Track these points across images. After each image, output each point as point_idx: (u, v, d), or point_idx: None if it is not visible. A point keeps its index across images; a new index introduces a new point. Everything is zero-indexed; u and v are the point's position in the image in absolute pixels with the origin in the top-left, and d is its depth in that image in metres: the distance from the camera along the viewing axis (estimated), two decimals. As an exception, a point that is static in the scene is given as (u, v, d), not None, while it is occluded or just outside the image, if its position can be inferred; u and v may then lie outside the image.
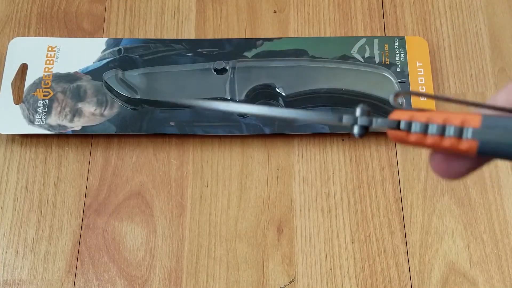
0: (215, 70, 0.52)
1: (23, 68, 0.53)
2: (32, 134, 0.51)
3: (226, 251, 0.48)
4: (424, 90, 0.52)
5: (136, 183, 0.50)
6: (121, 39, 0.55)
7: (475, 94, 0.53)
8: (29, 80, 0.52)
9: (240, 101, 0.51)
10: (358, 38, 0.54)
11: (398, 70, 0.53)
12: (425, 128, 0.23)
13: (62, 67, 0.53)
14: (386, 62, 0.53)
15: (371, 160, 0.51)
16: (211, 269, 0.47)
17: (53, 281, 0.47)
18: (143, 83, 0.52)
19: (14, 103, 0.51)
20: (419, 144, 0.23)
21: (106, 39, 0.55)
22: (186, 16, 0.57)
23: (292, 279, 0.47)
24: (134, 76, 0.52)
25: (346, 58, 0.53)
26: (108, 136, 0.52)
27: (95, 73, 0.53)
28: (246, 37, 0.55)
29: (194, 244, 0.48)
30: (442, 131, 0.22)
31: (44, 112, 0.51)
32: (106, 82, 0.52)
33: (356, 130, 0.24)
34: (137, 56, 0.53)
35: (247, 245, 0.48)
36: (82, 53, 0.54)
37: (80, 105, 0.51)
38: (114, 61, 0.53)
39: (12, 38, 0.54)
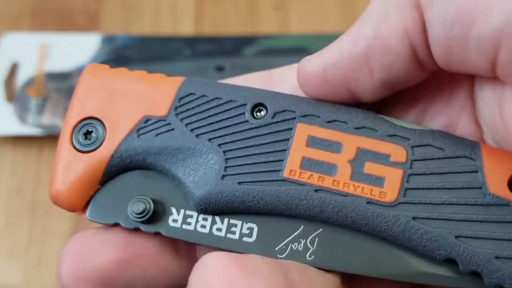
0: (214, 68, 0.51)
1: (15, 66, 0.52)
2: (24, 134, 0.50)
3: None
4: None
5: (132, 185, 0.49)
6: (116, 36, 0.53)
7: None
8: (22, 78, 0.51)
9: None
10: (360, 35, 0.53)
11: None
12: None
13: (55, 64, 0.52)
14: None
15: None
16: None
17: (47, 285, 0.46)
18: (139, 82, 0.50)
19: (6, 101, 0.50)
20: None
21: (100, 35, 0.53)
22: (184, 12, 0.55)
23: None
24: (130, 74, 0.51)
25: (348, 55, 0.52)
26: (103, 136, 0.50)
27: (89, 71, 0.51)
28: (246, 34, 0.54)
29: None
30: None
31: (37, 111, 0.50)
32: (101, 80, 0.51)
33: None
34: (133, 54, 0.52)
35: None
36: (76, 50, 0.52)
37: (74, 104, 0.50)
38: (109, 59, 0.52)
39: (4, 34, 0.53)
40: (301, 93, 0.24)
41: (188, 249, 0.25)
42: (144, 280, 0.23)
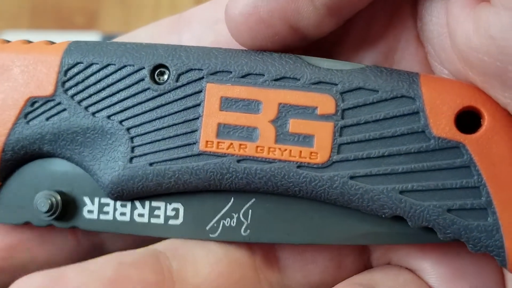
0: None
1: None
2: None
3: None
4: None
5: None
6: (116, 35, 0.53)
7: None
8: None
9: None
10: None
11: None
12: None
13: (53, 65, 0.52)
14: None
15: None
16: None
17: None
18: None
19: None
20: None
21: (99, 34, 0.53)
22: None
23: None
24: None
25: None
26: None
27: (87, 71, 0.51)
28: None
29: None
30: None
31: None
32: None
33: None
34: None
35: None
36: (75, 49, 0.52)
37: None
38: (107, 57, 0.52)
39: (3, 33, 0.53)
40: (217, 32, 0.21)
41: None
42: (35, 263, 0.21)
